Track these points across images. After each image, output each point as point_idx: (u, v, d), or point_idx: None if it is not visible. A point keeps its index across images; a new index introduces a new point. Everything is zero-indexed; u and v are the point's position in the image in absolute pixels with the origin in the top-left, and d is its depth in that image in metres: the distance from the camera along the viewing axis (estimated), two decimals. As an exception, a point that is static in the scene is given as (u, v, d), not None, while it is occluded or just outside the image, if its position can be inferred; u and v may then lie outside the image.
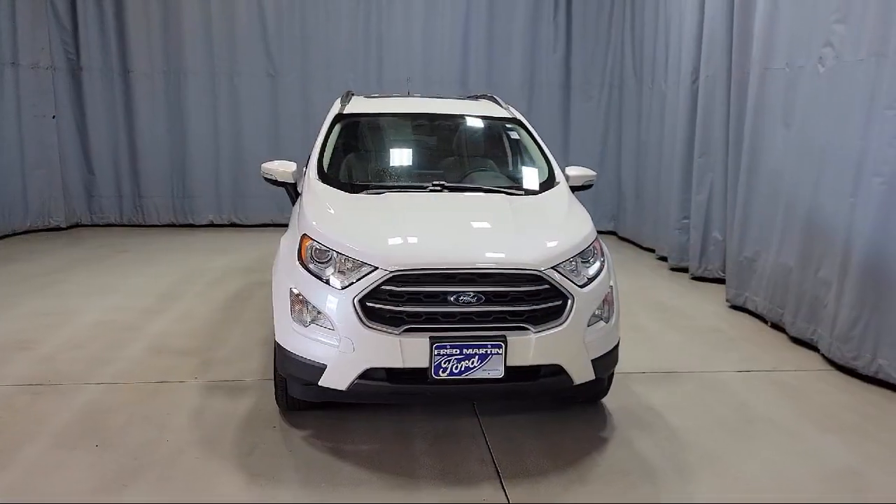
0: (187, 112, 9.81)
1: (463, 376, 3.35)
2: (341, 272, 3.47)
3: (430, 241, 3.58)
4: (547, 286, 3.44)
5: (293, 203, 4.63)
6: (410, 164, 4.71)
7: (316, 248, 3.59)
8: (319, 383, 3.47)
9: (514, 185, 4.43)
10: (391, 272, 3.35)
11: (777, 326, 5.80)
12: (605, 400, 4.25)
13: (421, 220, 3.81)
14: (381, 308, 3.37)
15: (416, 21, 9.75)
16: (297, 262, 3.62)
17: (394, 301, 3.37)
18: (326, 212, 3.86)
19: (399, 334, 3.34)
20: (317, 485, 3.32)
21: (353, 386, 3.40)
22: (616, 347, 3.80)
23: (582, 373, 3.57)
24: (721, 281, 7.11)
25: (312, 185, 4.21)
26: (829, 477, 3.47)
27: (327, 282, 3.46)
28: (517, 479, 3.38)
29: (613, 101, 9.86)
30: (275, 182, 4.63)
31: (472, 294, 3.37)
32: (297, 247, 3.68)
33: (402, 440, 3.77)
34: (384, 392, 3.45)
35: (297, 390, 3.74)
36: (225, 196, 10.08)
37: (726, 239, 6.87)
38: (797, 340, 5.47)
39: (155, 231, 9.86)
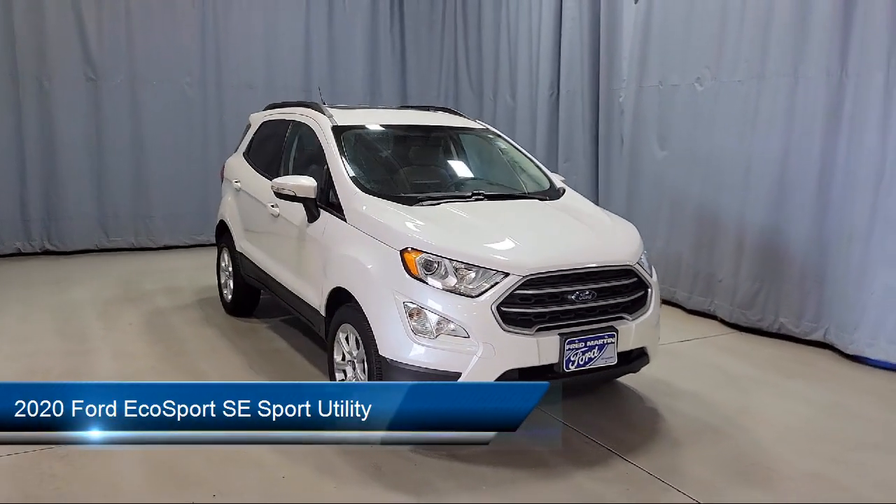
0: (-18, 122, 8.28)
1: (587, 366, 3.69)
2: (462, 281, 3.57)
3: (546, 245, 3.83)
4: (636, 279, 3.92)
5: (312, 219, 4.43)
6: (430, 174, 4.80)
7: (426, 260, 3.63)
8: (451, 392, 3.53)
9: (534, 191, 4.77)
10: (525, 277, 3.56)
11: (669, 303, 6.88)
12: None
13: (514, 227, 4.01)
14: (513, 311, 3.56)
15: (256, 26, 9.36)
16: (409, 276, 3.62)
17: (524, 304, 3.58)
18: (418, 224, 3.87)
19: (534, 334, 3.57)
20: (476, 488, 3.41)
21: (488, 389, 3.53)
22: (657, 328, 4.40)
23: (655, 352, 4.11)
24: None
25: (364, 199, 4.15)
26: (826, 410, 4.45)
27: (456, 291, 3.54)
28: (631, 453, 3.79)
29: (450, 111, 10.46)
30: (292, 198, 4.41)
31: (587, 291, 3.71)
32: (400, 260, 3.67)
33: (500, 439, 3.93)
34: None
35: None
36: (35, 219, 8.65)
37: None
38: (693, 312, 6.59)
39: (-52, 264, 8.16)
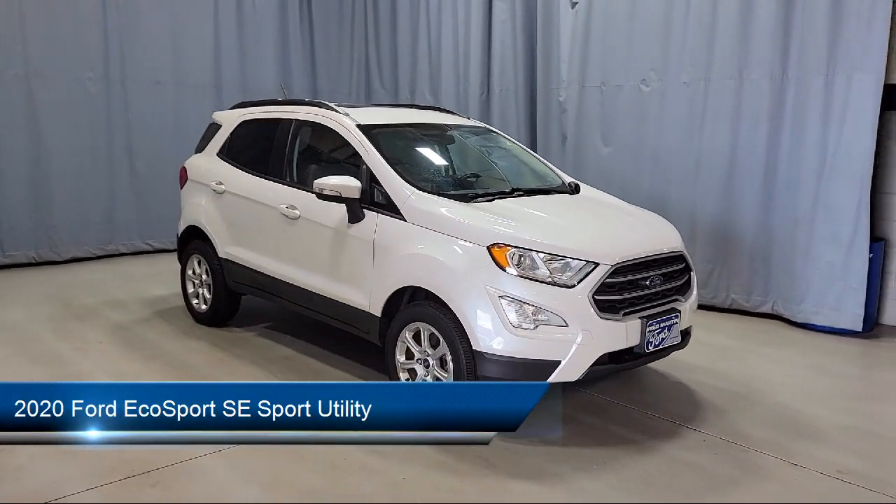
0: None
1: (660, 346, 3.99)
2: (555, 272, 3.74)
3: (620, 236, 4.08)
4: (684, 264, 4.29)
5: (355, 220, 4.35)
6: (461, 171, 4.87)
7: (518, 255, 3.75)
8: (550, 380, 3.68)
9: (557, 186, 4.98)
10: (613, 266, 3.78)
11: (619, 288, 7.42)
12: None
13: (577, 220, 4.23)
14: (603, 299, 3.77)
15: (163, 19, 8.73)
16: (500, 270, 3.73)
17: (610, 291, 3.81)
18: (497, 220, 3.95)
19: (622, 319, 3.81)
20: (588, 469, 3.59)
21: (585, 374, 3.73)
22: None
23: (692, 330, 4.50)
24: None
25: (423, 198, 4.16)
26: (811, 370, 5.11)
27: (552, 283, 3.69)
28: (692, 422, 4.16)
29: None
30: (337, 199, 4.30)
31: (657, 276, 4.02)
32: (488, 256, 3.76)
33: (574, 422, 4.13)
34: (603, 372, 3.89)
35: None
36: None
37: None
38: (645, 295, 7.16)
39: None
